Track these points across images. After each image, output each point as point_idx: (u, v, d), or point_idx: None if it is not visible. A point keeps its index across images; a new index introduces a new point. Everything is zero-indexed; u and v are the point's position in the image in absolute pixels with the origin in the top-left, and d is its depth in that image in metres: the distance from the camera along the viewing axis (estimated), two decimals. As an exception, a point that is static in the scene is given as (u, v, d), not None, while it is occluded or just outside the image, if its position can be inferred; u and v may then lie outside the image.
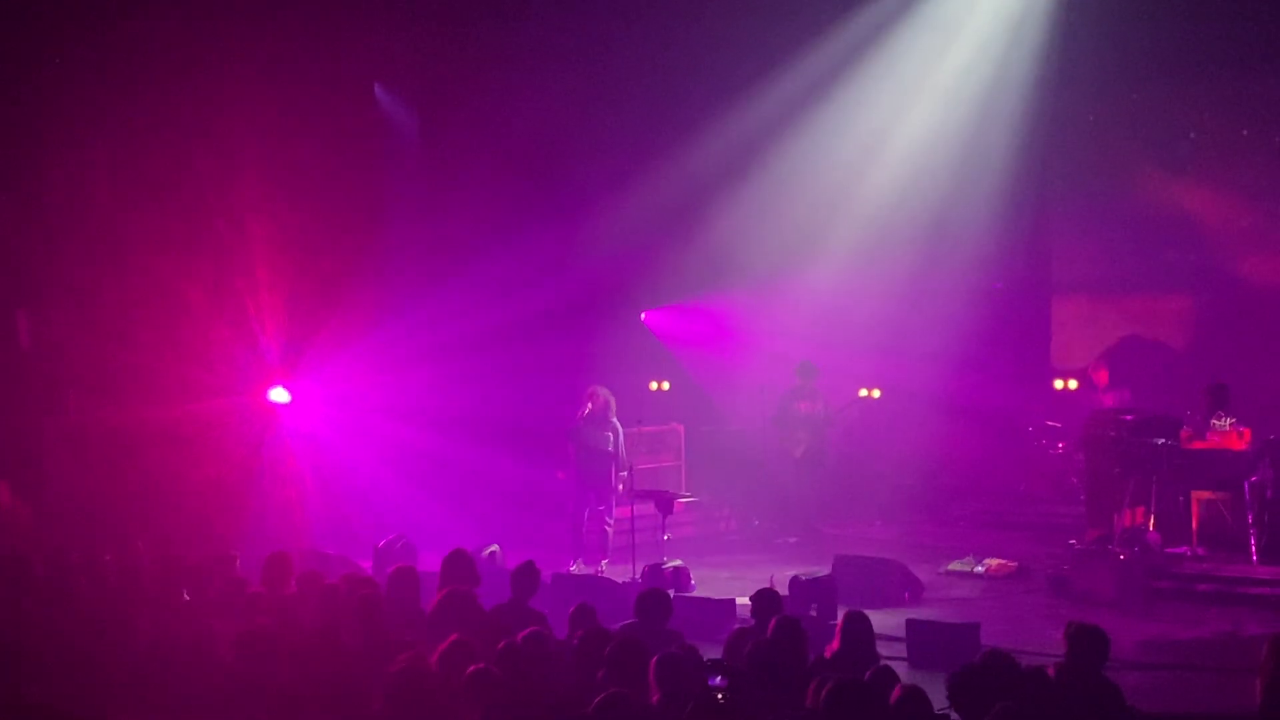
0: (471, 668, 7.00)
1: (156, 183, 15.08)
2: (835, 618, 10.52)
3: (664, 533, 14.05)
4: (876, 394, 17.68)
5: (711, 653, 8.31)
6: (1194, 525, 13.40)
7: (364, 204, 16.89)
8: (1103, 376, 16.24)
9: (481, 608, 9.25)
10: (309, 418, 15.77)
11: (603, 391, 14.56)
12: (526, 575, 9.59)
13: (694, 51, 16.83)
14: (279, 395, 15.58)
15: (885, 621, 10.77)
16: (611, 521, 14.57)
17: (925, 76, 17.66)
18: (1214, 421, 13.46)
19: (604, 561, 14.38)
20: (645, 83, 17.09)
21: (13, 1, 14.47)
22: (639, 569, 13.35)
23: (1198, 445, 13.46)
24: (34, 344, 15.08)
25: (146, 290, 15.05)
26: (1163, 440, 13.54)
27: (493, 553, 13.44)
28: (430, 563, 11.44)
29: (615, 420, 14.57)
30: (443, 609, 9.01)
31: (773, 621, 8.12)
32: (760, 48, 16.83)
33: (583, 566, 14.25)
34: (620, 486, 14.42)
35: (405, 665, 7.02)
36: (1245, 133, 17.06)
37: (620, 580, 13.12)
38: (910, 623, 11.18)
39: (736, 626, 9.95)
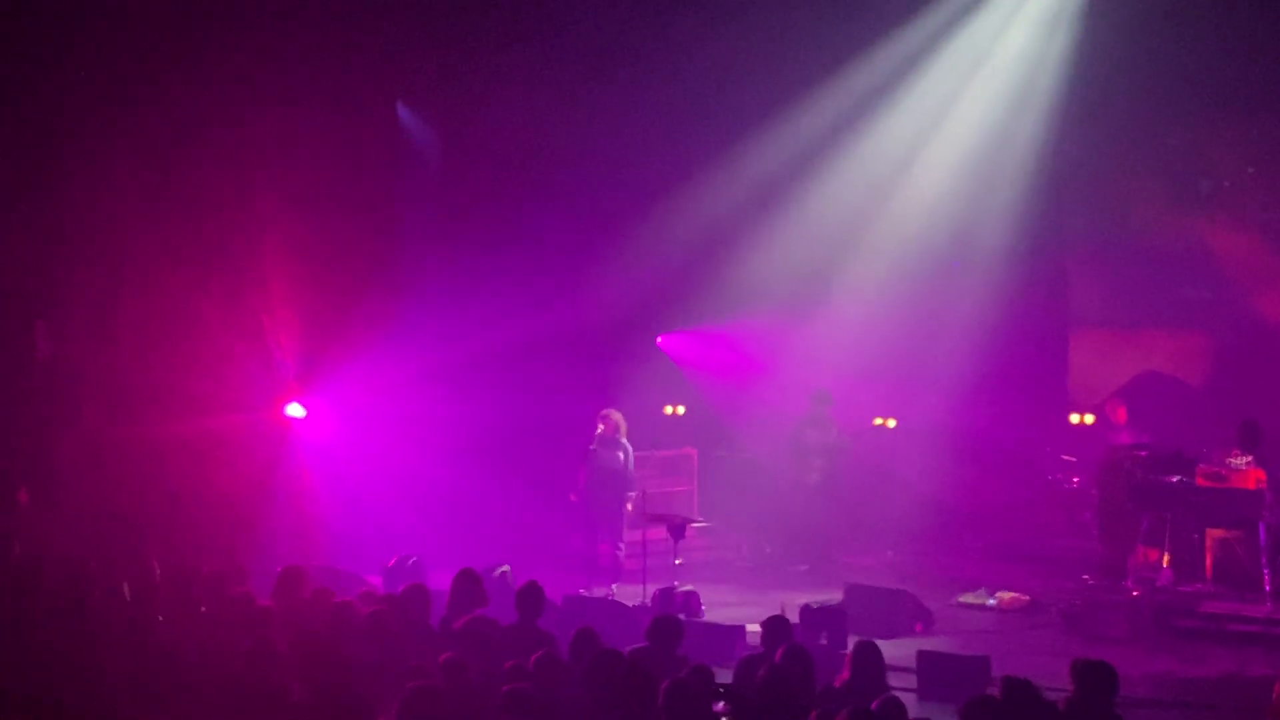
0: (506, 687, 7.04)
1: (175, 198, 15.11)
2: (846, 647, 10.49)
3: (676, 557, 14.04)
4: (891, 424, 17.67)
5: (720, 679, 8.28)
6: (1208, 563, 13.34)
7: (382, 221, 16.92)
8: (1120, 412, 16.17)
9: (500, 630, 9.22)
10: (324, 434, 15.79)
11: (614, 415, 14.80)
12: (531, 596, 9.56)
13: (718, 79, 16.87)
14: (294, 411, 15.60)
15: (895, 652, 10.72)
16: (622, 545, 14.59)
17: (947, 111, 17.72)
18: (1230, 460, 13.40)
19: (614, 585, 14.38)
20: (669, 107, 17.11)
21: (35, 19, 14.55)
22: (650, 593, 13.34)
23: (1212, 483, 13.39)
24: (52, 356, 15.11)
25: (164, 305, 15.06)
26: (1177, 477, 13.50)
27: (504, 573, 13.43)
28: (441, 582, 11.43)
29: (625, 441, 14.77)
30: (464, 631, 8.99)
31: (781, 649, 8.11)
32: (783, 77, 16.88)
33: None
34: (629, 507, 14.48)
35: (418, 684, 7.04)
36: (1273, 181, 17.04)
37: (630, 604, 13.11)
38: (921, 654, 11.16)
39: (746, 653, 9.93)
